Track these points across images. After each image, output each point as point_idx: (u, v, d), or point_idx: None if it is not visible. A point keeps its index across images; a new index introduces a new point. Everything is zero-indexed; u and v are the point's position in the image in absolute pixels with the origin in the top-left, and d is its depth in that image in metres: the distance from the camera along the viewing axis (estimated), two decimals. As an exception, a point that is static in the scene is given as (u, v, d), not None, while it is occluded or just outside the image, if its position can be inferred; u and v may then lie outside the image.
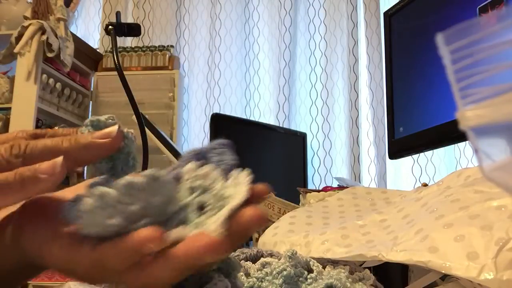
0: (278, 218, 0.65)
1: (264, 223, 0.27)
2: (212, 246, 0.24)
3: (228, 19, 2.33)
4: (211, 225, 0.25)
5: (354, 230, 0.50)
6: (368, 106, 2.15)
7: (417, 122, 0.83)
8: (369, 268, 0.42)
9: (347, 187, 0.81)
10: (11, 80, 1.89)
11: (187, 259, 0.24)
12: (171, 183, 0.27)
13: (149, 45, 2.27)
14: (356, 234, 0.49)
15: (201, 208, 0.26)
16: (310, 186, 2.03)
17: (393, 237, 0.44)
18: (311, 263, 0.35)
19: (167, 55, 2.21)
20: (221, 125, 1.65)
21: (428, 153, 1.97)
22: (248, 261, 0.37)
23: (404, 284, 0.52)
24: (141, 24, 1.56)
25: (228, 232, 0.25)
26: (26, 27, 1.77)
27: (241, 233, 0.26)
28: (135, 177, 0.25)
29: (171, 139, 2.01)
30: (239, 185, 0.26)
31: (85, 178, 2.08)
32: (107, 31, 1.17)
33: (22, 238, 0.28)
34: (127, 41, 2.38)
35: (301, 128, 2.15)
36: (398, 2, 0.93)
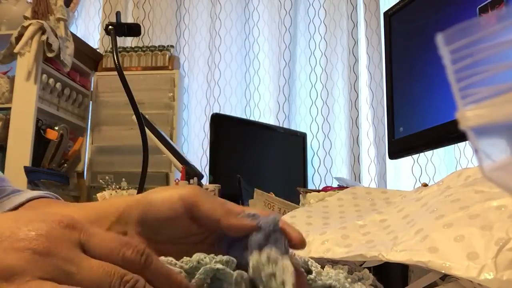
0: (278, 218, 0.65)
1: None
2: None
3: (228, 19, 2.33)
4: None
5: (354, 230, 0.50)
6: (368, 106, 2.15)
7: (417, 122, 0.83)
8: (369, 268, 0.42)
9: (347, 187, 0.81)
10: (11, 80, 1.89)
11: None
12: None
13: (149, 45, 2.27)
14: (356, 234, 0.49)
15: None
16: (310, 186, 2.03)
17: (393, 237, 0.44)
18: (309, 263, 0.35)
19: (167, 55, 2.21)
20: (221, 125, 1.65)
21: (428, 153, 1.96)
22: (248, 261, 0.37)
23: (404, 284, 0.52)
24: (141, 24, 1.56)
25: None
26: (26, 27, 1.77)
27: None
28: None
29: (171, 139, 2.00)
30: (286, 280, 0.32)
31: (85, 178, 2.08)
32: (107, 31, 1.17)
33: None
34: (127, 41, 2.38)
35: (301, 128, 2.15)
36: (398, 2, 0.93)
